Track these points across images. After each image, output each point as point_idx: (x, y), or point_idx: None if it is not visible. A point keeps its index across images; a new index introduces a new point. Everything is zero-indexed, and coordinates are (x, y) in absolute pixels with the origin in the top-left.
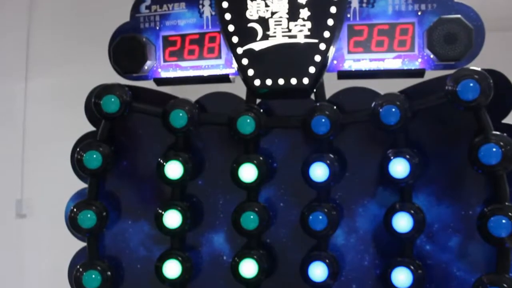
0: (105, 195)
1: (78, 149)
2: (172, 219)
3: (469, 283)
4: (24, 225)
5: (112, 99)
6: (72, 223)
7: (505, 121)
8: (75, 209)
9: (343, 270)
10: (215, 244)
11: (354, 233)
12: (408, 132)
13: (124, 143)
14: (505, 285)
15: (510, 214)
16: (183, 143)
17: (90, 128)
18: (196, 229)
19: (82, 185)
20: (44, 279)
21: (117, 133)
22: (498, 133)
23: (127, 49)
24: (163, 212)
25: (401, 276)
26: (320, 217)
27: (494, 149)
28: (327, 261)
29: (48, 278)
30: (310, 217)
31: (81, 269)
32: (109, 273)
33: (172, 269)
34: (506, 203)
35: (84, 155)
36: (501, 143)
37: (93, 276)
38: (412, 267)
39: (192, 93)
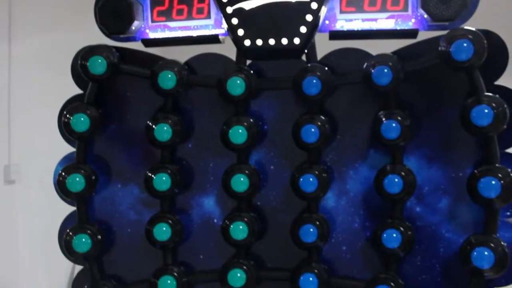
0: (93, 159)
1: (65, 112)
2: (162, 182)
3: (458, 244)
4: (13, 191)
5: (99, 60)
6: (61, 187)
7: (498, 82)
8: (63, 173)
9: (333, 232)
10: (205, 207)
11: (345, 195)
12: (400, 94)
13: (112, 106)
14: (492, 245)
15: (500, 175)
16: (172, 106)
17: (77, 91)
18: (186, 192)
19: (70, 149)
20: (36, 244)
21: (105, 95)
22: (490, 94)
23: (113, 9)
24: (152, 175)
25: (391, 237)
26: (311, 179)
27: (486, 110)
28: (317, 223)
29: (40, 243)
30: (301, 179)
31: (71, 233)
32: (99, 236)
33: (162, 232)
34: (497, 165)
35: (71, 118)
36: (493, 104)
37: (83, 240)
38: (401, 229)
39: (181, 54)
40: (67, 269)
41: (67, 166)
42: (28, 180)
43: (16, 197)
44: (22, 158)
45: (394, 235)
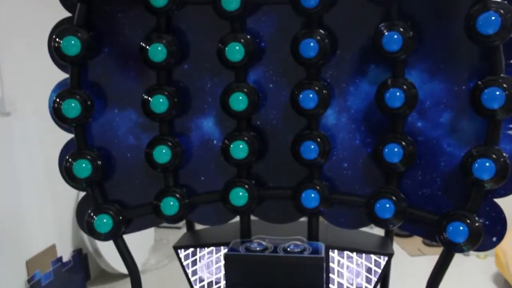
0: (88, 85)
1: (54, 36)
2: (159, 104)
3: (459, 157)
4: (10, 123)
5: None
6: (57, 114)
7: None
8: (58, 100)
9: (334, 150)
10: (204, 128)
11: (345, 112)
12: (402, 5)
13: (103, 28)
14: (494, 156)
15: (504, 85)
16: (166, 25)
17: (66, 14)
18: (184, 114)
19: (63, 75)
20: (37, 174)
21: (95, 18)
22: (498, 0)
23: None
24: (149, 98)
25: (392, 152)
26: (311, 95)
27: (493, 18)
28: (318, 139)
29: (41, 174)
30: (301, 95)
31: (70, 160)
32: (99, 162)
33: (162, 154)
34: (501, 75)
35: (62, 41)
36: (501, 11)
37: (83, 165)
38: (403, 143)
39: None
40: (72, 198)
41: (62, 92)
42: (24, 112)
43: (13, 129)
44: (15, 90)
45: (396, 149)
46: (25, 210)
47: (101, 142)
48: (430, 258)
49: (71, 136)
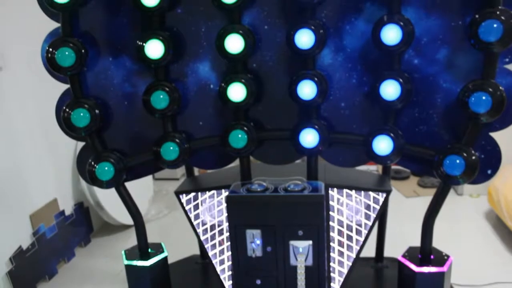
0: (80, 34)
1: None
2: (154, 49)
3: (455, 93)
4: (2, 78)
5: None
6: (51, 63)
7: None
8: (51, 49)
9: (331, 89)
10: (200, 73)
11: (342, 51)
12: None
13: None
14: (490, 90)
15: (502, 18)
16: None
17: None
18: (180, 60)
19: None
20: (33, 129)
21: None
22: None
23: None
24: (143, 44)
25: (390, 89)
26: (307, 35)
27: None
28: (315, 79)
29: (37, 128)
30: (296, 35)
31: (68, 109)
32: (97, 111)
33: (160, 99)
34: (499, 7)
35: None
36: None
37: (82, 114)
38: (400, 80)
39: None
40: (70, 152)
41: (54, 41)
42: (15, 66)
43: (6, 84)
44: (5, 44)
45: (393, 86)
46: (25, 166)
47: (97, 92)
48: (424, 199)
49: (66, 87)
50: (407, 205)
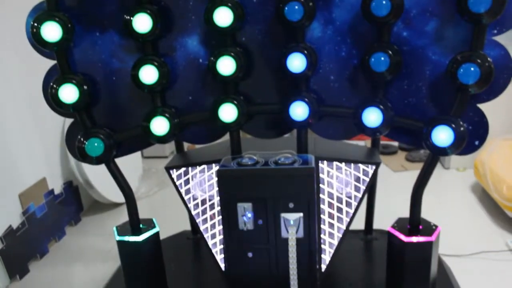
0: (66, 8)
1: None
2: (142, 23)
3: (444, 65)
4: None
5: None
6: (36, 38)
7: None
8: (35, 24)
9: (321, 63)
10: (189, 47)
11: (331, 24)
12: None
13: None
14: (479, 61)
15: None
16: None
17: None
18: (168, 34)
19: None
20: (20, 109)
21: None
22: None
23: None
24: (131, 18)
25: (379, 61)
26: (296, 7)
27: None
28: (305, 51)
29: (24, 107)
30: (286, 8)
31: (55, 85)
32: (85, 87)
33: (148, 74)
34: None
35: None
36: None
37: (69, 89)
38: (389, 52)
39: None
40: (58, 131)
41: (39, 15)
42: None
43: None
44: None
45: (382, 58)
46: (12, 145)
47: (84, 68)
48: (412, 173)
49: (53, 63)
50: (395, 179)
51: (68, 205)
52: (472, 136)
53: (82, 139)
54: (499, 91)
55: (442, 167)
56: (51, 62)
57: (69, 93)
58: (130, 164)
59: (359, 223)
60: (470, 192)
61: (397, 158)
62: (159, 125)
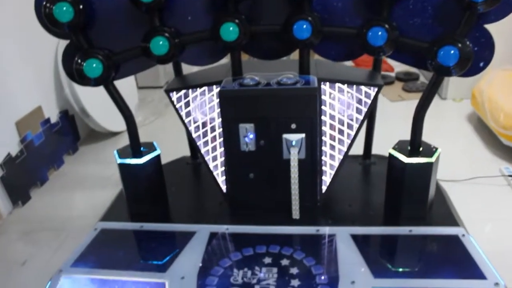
0: None
1: None
2: None
3: None
4: None
5: None
6: None
7: None
8: None
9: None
10: None
11: None
12: None
13: None
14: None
15: None
16: None
17: None
18: None
19: None
20: (13, 36)
21: None
22: None
23: None
24: None
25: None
26: None
27: None
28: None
29: (17, 35)
30: None
31: (49, 4)
32: (80, 6)
33: None
34: None
35: None
36: None
37: (64, 8)
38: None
39: None
40: (51, 59)
41: None
42: None
43: None
44: None
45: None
46: (5, 73)
47: None
48: (409, 103)
49: None
50: (393, 109)
51: (65, 135)
52: (478, 58)
53: (79, 60)
54: (510, 9)
55: (439, 97)
56: None
57: (63, 12)
58: (125, 93)
59: (357, 149)
60: (466, 122)
61: (394, 88)
62: (159, 45)
